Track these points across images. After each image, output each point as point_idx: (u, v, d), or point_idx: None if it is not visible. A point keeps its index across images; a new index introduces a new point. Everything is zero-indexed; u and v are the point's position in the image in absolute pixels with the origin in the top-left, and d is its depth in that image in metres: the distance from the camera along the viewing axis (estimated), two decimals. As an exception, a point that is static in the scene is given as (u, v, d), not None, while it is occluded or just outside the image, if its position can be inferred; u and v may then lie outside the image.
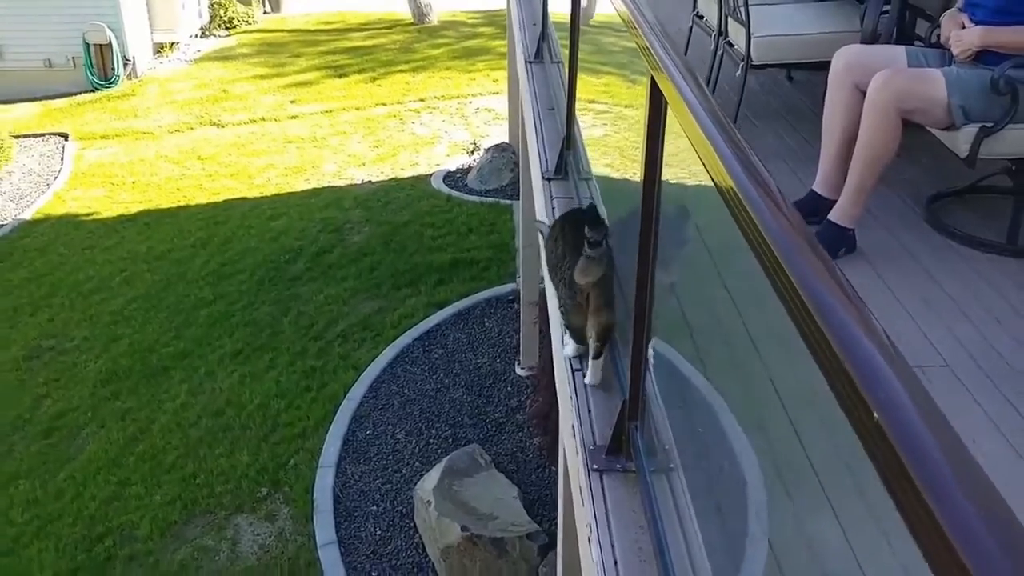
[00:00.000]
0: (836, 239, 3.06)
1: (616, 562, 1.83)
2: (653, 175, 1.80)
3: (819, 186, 3.28)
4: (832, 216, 3.08)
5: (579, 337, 2.41)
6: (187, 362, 7.93)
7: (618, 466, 2.06)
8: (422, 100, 13.90)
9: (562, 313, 2.42)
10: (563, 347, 2.52)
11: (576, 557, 2.39)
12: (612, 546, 1.87)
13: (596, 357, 2.35)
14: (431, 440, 6.90)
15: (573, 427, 2.27)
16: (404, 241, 9.59)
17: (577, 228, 2.22)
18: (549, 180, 3.58)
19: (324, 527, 6.17)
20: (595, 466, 2.07)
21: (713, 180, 1.30)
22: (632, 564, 1.83)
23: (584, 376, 2.39)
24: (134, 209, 11.03)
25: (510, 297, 8.42)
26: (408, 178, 11.27)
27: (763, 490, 2.19)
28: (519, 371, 7.55)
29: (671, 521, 1.90)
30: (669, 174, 1.99)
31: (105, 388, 7.69)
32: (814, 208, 3.25)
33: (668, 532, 1.86)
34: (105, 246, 10.15)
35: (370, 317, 8.37)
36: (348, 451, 6.84)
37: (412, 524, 6.17)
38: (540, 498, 6.17)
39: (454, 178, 11.14)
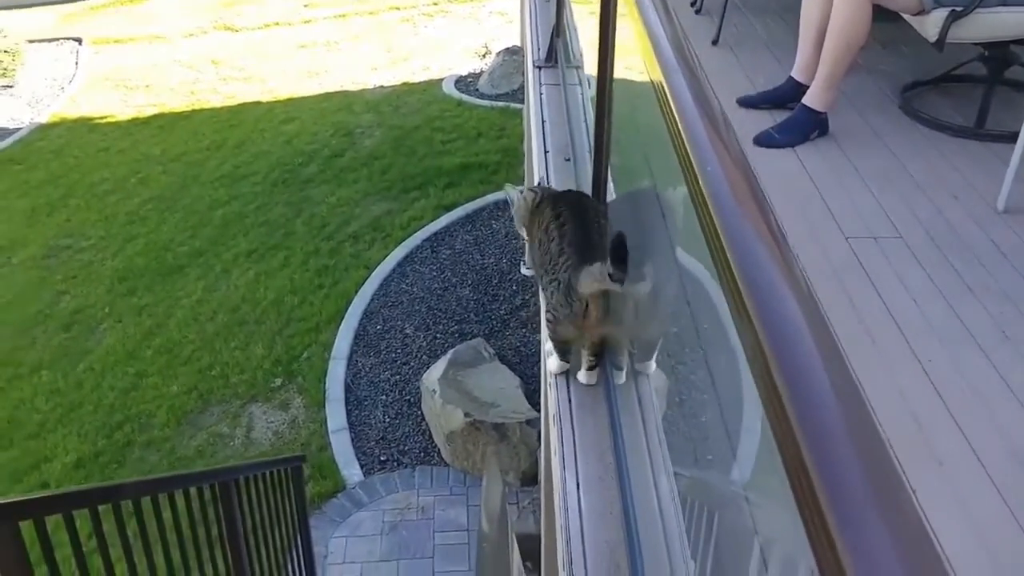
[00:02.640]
0: (808, 122, 3.18)
1: (570, 400, 2.02)
2: (606, 49, 1.92)
3: (797, 72, 3.39)
4: (805, 100, 3.19)
5: (565, 351, 2.01)
6: (202, 260, 8.15)
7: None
8: (435, 4, 13.84)
9: (548, 322, 1.97)
10: (544, 359, 2.13)
11: (548, 418, 2.59)
12: (567, 389, 2.05)
13: (591, 368, 1.99)
14: (438, 335, 7.12)
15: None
16: (414, 145, 9.69)
17: (582, 219, 1.83)
18: (539, 68, 3.69)
19: (336, 415, 6.45)
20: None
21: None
22: (584, 400, 2.01)
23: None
24: (148, 112, 11.16)
25: (518, 199, 8.53)
26: (419, 83, 11.31)
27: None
28: (524, 271, 7.59)
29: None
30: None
31: (122, 285, 7.93)
32: (794, 94, 3.36)
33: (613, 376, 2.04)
34: (120, 148, 10.31)
35: (380, 219, 8.53)
36: (359, 345, 7.08)
37: (419, 412, 6.43)
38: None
39: (465, 82, 11.17)
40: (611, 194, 2.50)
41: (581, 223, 1.85)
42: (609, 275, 1.65)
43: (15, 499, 1.83)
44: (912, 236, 2.60)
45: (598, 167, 2.04)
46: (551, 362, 2.05)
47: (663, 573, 1.62)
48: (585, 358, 1.97)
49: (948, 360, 2.15)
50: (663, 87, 1.18)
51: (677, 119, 1.08)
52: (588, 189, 2.77)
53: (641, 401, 1.99)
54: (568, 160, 2.95)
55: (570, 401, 2.03)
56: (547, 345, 2.07)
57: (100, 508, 2.23)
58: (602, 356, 1.97)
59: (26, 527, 1.89)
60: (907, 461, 1.87)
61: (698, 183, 0.95)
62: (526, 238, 2.18)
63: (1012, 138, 2.85)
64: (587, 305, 1.80)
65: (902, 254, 2.53)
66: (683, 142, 1.03)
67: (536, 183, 2.17)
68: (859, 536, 0.52)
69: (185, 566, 3.00)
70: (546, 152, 3.03)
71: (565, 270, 1.82)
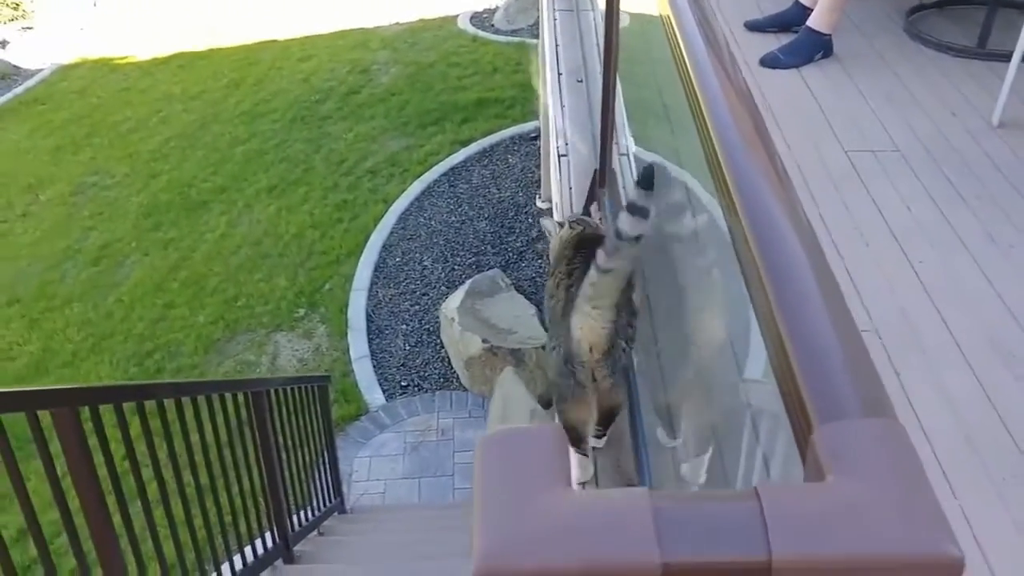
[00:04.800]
0: (813, 44, 3.28)
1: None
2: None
3: (803, -4, 3.48)
4: (810, 22, 3.29)
5: (577, 438, 1.72)
6: (225, 196, 8.32)
7: (591, 228, 2.38)
8: (449, -60, 13.78)
9: (556, 403, 1.71)
10: None
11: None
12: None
13: (599, 437, 1.77)
14: (456, 267, 7.29)
15: (557, 202, 2.59)
16: (430, 81, 9.78)
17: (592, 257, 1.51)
18: (552, -7, 3.79)
19: (358, 343, 6.65)
20: (571, 228, 2.39)
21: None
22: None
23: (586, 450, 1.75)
24: (167, 52, 11.25)
25: (533, 134, 8.64)
26: (435, 19, 11.35)
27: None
28: (539, 204, 7.84)
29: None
30: None
31: (147, 220, 8.12)
32: (799, 17, 3.46)
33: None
34: (141, 88, 10.45)
35: (398, 154, 8.66)
36: (379, 276, 7.26)
37: (438, 340, 6.62)
38: (557, 317, 6.54)
39: (480, 18, 11.21)
40: (625, 128, 2.61)
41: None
42: (632, 205, 1.38)
43: (73, 387, 2.01)
44: (909, 150, 2.73)
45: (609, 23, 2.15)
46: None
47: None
48: (593, 432, 1.73)
49: (937, 261, 2.29)
50: (670, 18, 1.22)
51: (683, 49, 1.11)
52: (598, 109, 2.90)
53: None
54: (580, 82, 3.08)
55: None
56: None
57: (147, 405, 2.42)
58: (611, 423, 1.73)
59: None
60: (893, 348, 2.02)
61: (702, 111, 0.98)
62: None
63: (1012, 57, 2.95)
64: (592, 372, 1.55)
65: (899, 166, 2.66)
66: (689, 74, 1.06)
67: (570, 212, 1.91)
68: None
69: (224, 476, 3.21)
70: (560, 74, 3.16)
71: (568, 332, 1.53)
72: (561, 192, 2.53)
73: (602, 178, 2.30)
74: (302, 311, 6.99)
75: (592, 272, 1.43)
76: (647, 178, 1.40)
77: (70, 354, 6.75)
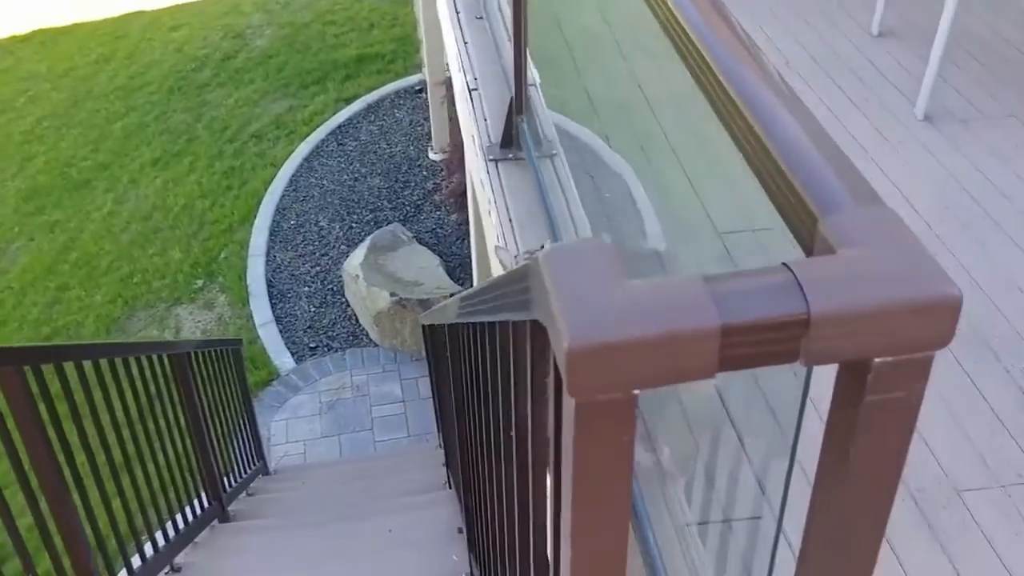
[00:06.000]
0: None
1: (511, 220, 2.26)
2: None
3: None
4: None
5: None
6: (108, 173, 8.08)
7: (510, 155, 2.46)
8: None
9: None
10: None
11: (484, 248, 2.83)
12: (507, 209, 2.29)
13: None
14: (353, 225, 7.28)
15: (472, 136, 2.66)
16: (307, 41, 9.64)
17: None
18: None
19: (261, 309, 6.60)
20: (491, 157, 2.47)
21: None
22: (524, 220, 2.26)
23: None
24: (25, 29, 10.77)
25: (418, 88, 8.63)
26: (305, -22, 11.14)
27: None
28: (432, 156, 7.87)
29: (555, 189, 2.32)
30: None
31: (28, 204, 7.85)
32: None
33: (552, 196, 2.28)
34: (1, 68, 10.00)
35: (282, 116, 8.55)
36: (275, 241, 7.20)
37: (343, 299, 6.63)
38: (461, 265, 6.63)
39: (352, -25, 11.05)
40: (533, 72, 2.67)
41: None
42: None
43: (17, 346, 2.00)
44: (799, 62, 2.88)
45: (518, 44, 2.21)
46: None
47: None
48: None
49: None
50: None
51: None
52: (505, 44, 2.96)
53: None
54: (480, 18, 3.13)
55: (510, 220, 2.27)
56: None
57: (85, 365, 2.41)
58: None
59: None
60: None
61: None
62: None
63: (882, -29, 3.13)
64: None
65: (791, 78, 2.81)
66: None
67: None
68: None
69: (160, 439, 3.21)
70: (458, 13, 3.20)
71: None
72: (477, 125, 2.60)
73: (519, 105, 2.37)
74: (200, 282, 6.90)
75: None
76: None
77: (-39, 346, 6.52)
